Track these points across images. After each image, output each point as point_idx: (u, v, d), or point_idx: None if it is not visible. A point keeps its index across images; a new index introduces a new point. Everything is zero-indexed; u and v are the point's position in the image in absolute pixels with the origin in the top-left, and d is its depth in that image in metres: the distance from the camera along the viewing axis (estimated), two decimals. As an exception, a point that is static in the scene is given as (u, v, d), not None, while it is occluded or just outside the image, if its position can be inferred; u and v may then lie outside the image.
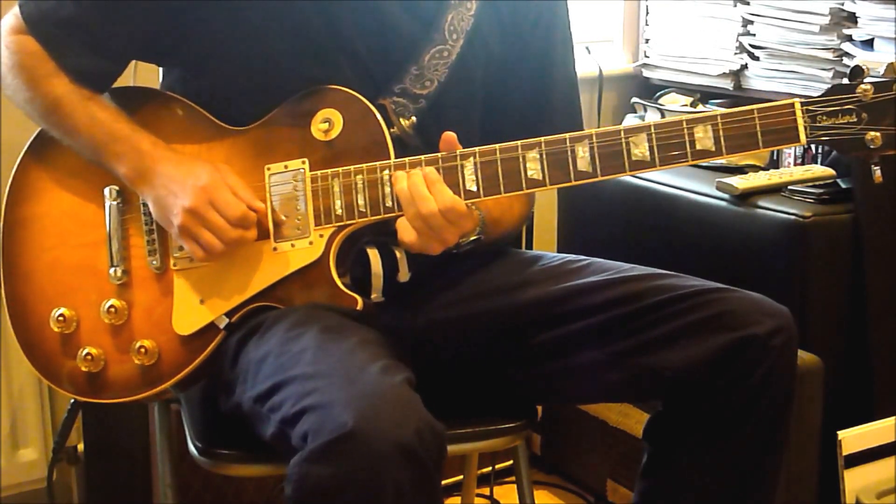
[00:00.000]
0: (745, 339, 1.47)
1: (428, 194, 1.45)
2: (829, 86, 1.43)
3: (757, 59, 2.59)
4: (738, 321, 1.49)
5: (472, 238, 1.54)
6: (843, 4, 2.39)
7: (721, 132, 1.43)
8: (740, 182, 2.21)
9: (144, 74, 1.77)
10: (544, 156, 1.47)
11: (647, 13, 2.91)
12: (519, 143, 1.47)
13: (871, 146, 1.41)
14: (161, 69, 1.71)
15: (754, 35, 2.59)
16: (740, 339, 1.48)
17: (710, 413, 1.51)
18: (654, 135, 1.44)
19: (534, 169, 1.47)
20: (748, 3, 2.60)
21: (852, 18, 2.38)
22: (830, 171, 2.22)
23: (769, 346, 1.48)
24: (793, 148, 2.43)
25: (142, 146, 1.53)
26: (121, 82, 1.66)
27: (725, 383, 1.49)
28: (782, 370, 1.50)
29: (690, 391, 1.51)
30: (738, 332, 1.48)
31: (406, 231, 1.47)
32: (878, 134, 1.41)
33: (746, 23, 2.61)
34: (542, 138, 1.47)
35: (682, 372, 1.50)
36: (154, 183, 1.52)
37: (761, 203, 2.17)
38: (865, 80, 1.41)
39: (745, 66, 2.63)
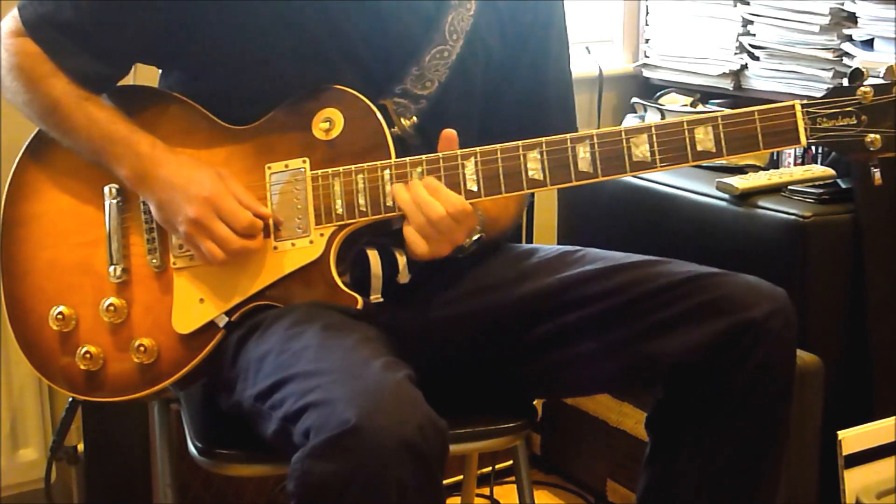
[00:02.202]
0: (742, 323, 1.48)
1: (432, 199, 1.45)
2: (830, 87, 1.44)
3: (757, 59, 2.59)
4: (735, 305, 1.49)
5: (475, 237, 1.54)
6: (843, 4, 2.38)
7: (722, 133, 1.44)
8: (740, 182, 2.21)
9: (144, 75, 1.77)
10: (545, 156, 1.47)
11: (647, 13, 2.91)
12: (520, 143, 1.47)
13: (871, 148, 1.42)
14: (160, 71, 1.71)
15: (754, 35, 2.59)
16: (738, 322, 1.48)
17: (710, 398, 1.51)
18: (654, 136, 1.45)
19: (535, 169, 1.47)
20: (748, 3, 2.60)
21: (852, 18, 2.38)
22: (830, 172, 2.22)
23: (766, 328, 1.48)
24: (793, 148, 2.43)
25: (140, 148, 1.53)
26: (121, 81, 1.66)
27: (725, 367, 1.49)
28: (781, 352, 1.50)
29: (690, 377, 1.52)
30: (735, 316, 1.48)
31: (416, 242, 1.47)
32: (877, 136, 1.42)
33: (746, 23, 2.60)
34: (543, 139, 1.47)
35: (681, 358, 1.51)
36: (154, 188, 1.52)
37: (761, 203, 2.17)
38: (865, 83, 1.42)
39: (745, 66, 2.62)
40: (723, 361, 1.49)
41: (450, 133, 1.49)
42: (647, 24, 2.91)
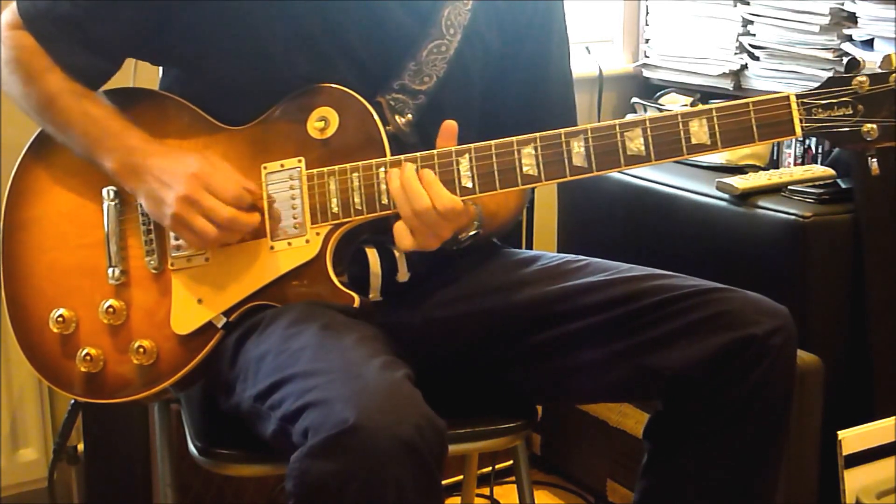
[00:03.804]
0: (743, 339, 1.47)
1: (422, 190, 1.45)
2: (825, 78, 1.43)
3: (757, 59, 2.59)
4: (737, 321, 1.49)
5: (472, 233, 1.54)
6: (843, 4, 2.38)
7: (716, 126, 1.43)
8: (740, 182, 2.22)
9: (144, 75, 1.77)
10: (539, 151, 1.46)
11: (647, 13, 2.91)
12: (514, 139, 1.47)
13: (868, 138, 1.41)
14: (160, 69, 1.71)
15: (754, 35, 2.59)
16: (739, 338, 1.48)
17: (709, 412, 1.51)
18: (649, 129, 1.44)
19: (529, 165, 1.47)
20: (748, 3, 2.60)
21: (852, 18, 2.38)
22: (830, 172, 2.23)
23: (768, 345, 1.48)
24: (793, 148, 2.43)
25: (131, 142, 1.53)
26: (122, 82, 1.66)
27: (725, 383, 1.49)
28: (781, 369, 1.50)
29: (690, 390, 1.51)
30: (737, 332, 1.48)
31: (403, 236, 1.46)
32: (874, 126, 1.40)
33: (746, 23, 2.60)
34: (538, 134, 1.46)
35: (682, 371, 1.50)
36: (144, 177, 1.51)
37: (761, 203, 2.17)
38: (861, 73, 1.41)
39: (745, 66, 2.62)
40: (723, 376, 1.49)
41: (450, 124, 1.48)
42: (647, 24, 2.91)
